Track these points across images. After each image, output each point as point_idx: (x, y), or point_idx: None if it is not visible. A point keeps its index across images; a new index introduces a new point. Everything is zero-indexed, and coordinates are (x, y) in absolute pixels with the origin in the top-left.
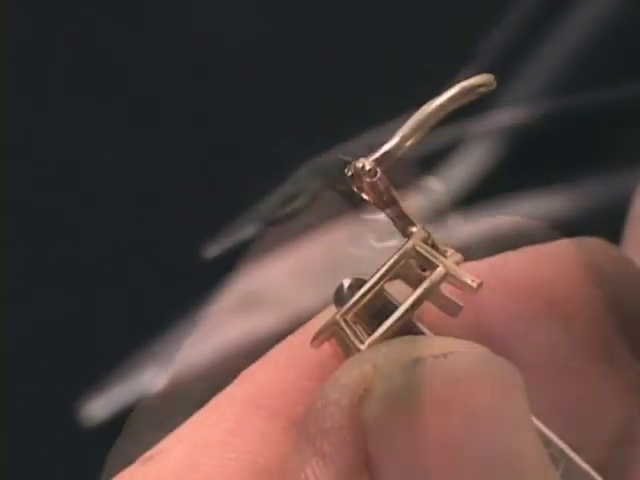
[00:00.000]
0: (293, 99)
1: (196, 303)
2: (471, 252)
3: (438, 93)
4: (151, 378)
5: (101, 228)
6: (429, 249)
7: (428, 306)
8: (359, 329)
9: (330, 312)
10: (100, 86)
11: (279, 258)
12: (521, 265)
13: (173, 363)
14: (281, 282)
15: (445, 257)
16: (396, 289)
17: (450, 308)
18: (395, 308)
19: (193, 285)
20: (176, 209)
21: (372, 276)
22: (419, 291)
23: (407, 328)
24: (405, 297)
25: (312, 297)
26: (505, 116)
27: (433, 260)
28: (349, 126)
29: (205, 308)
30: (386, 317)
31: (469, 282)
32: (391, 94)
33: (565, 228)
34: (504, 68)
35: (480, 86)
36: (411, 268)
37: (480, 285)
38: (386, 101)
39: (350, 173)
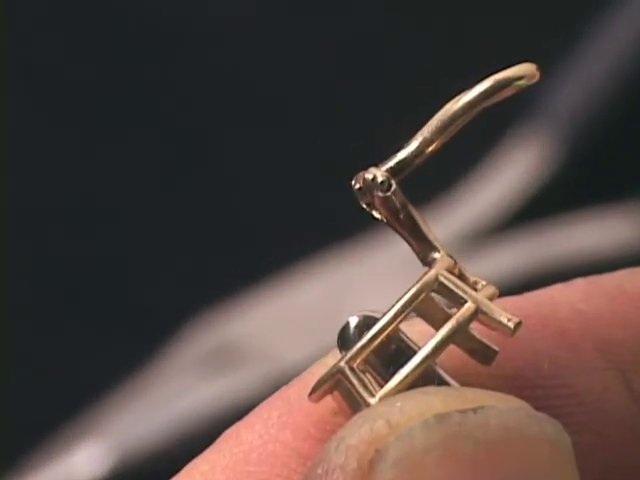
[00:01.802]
0: (287, 99)
1: (144, 359)
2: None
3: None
4: (88, 458)
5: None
6: (455, 280)
7: (454, 351)
8: (369, 378)
9: (333, 358)
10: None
11: (260, 303)
12: (571, 301)
13: (119, 437)
14: (263, 332)
15: (475, 290)
16: (415, 330)
17: (482, 354)
18: (413, 353)
19: (140, 335)
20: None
21: (385, 313)
22: (443, 332)
23: (428, 377)
24: (426, 339)
25: (303, 349)
26: (561, 115)
27: (460, 294)
28: (349, 129)
29: (157, 366)
30: (402, 364)
31: (505, 321)
32: (391, 93)
33: (630, 255)
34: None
35: (519, 78)
36: (433, 303)
37: (519, 325)
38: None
39: (358, 186)
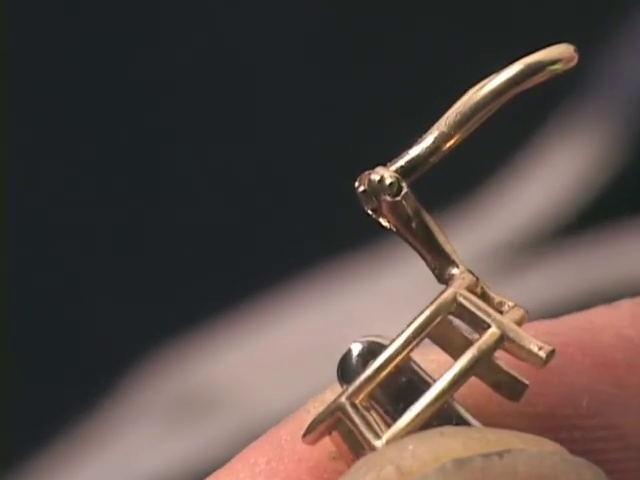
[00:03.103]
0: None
1: (94, 406)
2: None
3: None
4: None
5: None
6: (477, 301)
7: (476, 385)
8: (374, 417)
9: (332, 394)
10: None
11: (239, 338)
12: (616, 326)
13: None
14: (243, 374)
15: (500, 312)
16: (429, 359)
17: (509, 388)
18: (427, 387)
19: (90, 377)
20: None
21: (394, 340)
22: (462, 362)
23: (444, 416)
24: (442, 370)
25: (292, 393)
26: (619, 98)
27: (483, 317)
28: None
29: (111, 415)
30: (414, 400)
31: (535, 350)
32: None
33: None
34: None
35: (554, 62)
36: (451, 328)
37: (551, 354)
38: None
39: (362, 189)
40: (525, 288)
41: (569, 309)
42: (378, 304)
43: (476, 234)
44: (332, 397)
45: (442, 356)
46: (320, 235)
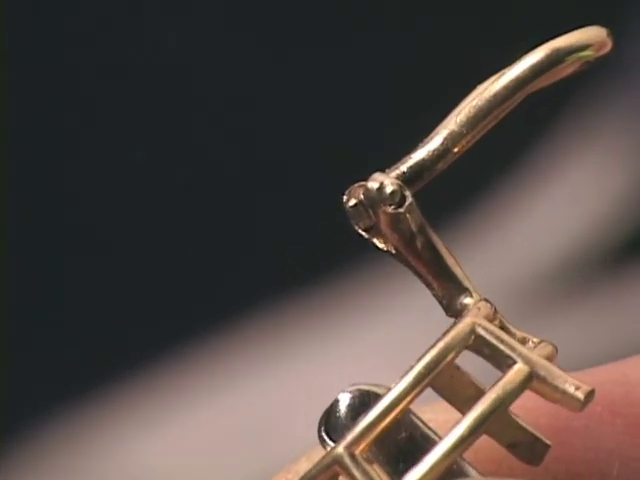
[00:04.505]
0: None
1: None
2: None
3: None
4: None
5: None
6: (499, 332)
7: (483, 448)
8: (377, 470)
9: (308, 462)
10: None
11: (170, 417)
12: None
13: None
14: (182, 458)
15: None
16: (425, 418)
17: (527, 449)
18: (432, 444)
19: None
20: None
21: (393, 387)
22: (484, 405)
23: (452, 474)
24: (449, 424)
25: (238, 475)
26: None
27: (508, 351)
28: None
29: None
30: (416, 459)
31: (571, 390)
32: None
33: None
34: None
35: (584, 47)
36: (459, 375)
37: (590, 395)
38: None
39: (353, 202)
40: (549, 333)
41: (600, 360)
42: (362, 352)
43: (487, 264)
44: (308, 466)
45: (441, 415)
46: (288, 266)
